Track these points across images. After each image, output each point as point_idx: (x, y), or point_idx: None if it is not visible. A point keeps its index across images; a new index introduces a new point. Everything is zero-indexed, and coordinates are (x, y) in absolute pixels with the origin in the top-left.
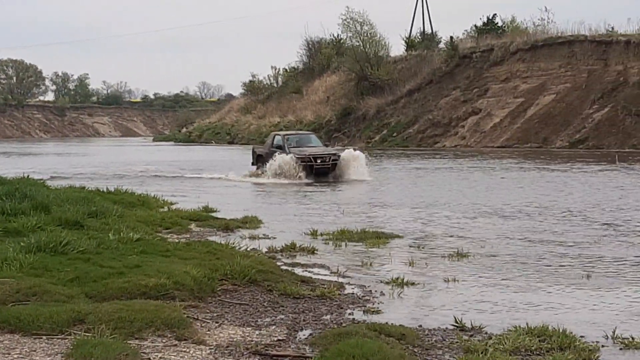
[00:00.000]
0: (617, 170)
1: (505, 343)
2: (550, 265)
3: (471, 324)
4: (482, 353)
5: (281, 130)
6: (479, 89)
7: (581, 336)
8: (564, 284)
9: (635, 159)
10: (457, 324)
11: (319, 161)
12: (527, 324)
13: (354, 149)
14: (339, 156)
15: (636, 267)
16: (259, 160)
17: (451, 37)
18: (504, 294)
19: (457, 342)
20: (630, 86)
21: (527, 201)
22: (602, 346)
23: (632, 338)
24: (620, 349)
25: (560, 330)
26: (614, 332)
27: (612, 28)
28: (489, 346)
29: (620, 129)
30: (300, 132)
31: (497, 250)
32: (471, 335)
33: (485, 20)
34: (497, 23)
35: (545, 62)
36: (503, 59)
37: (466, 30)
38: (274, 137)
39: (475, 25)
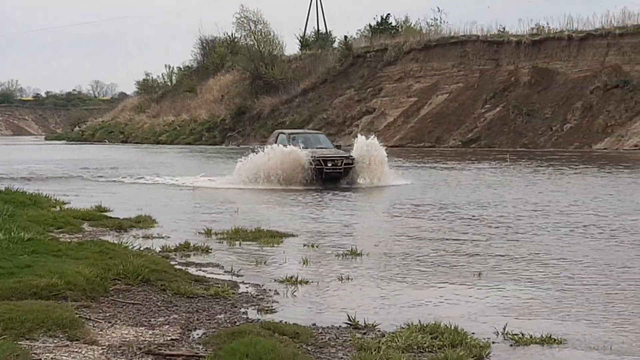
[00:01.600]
0: (507, 168)
1: (398, 340)
2: (442, 263)
3: (364, 322)
4: (374, 350)
5: (286, 128)
6: (373, 89)
7: (472, 333)
8: (456, 281)
9: (526, 157)
10: (350, 322)
11: (329, 164)
12: (419, 321)
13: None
14: (353, 159)
15: (525, 264)
16: None
17: (345, 37)
18: (397, 291)
19: (350, 340)
20: (521, 86)
21: (419, 199)
22: (493, 342)
23: (522, 334)
24: (511, 345)
25: (452, 328)
26: (504, 329)
27: (504, 29)
28: (382, 344)
29: (512, 128)
30: (308, 130)
31: (390, 248)
32: (364, 333)
33: (379, 20)
34: (391, 23)
35: (438, 62)
36: (397, 58)
37: (360, 30)
38: (277, 136)
39: (369, 25)
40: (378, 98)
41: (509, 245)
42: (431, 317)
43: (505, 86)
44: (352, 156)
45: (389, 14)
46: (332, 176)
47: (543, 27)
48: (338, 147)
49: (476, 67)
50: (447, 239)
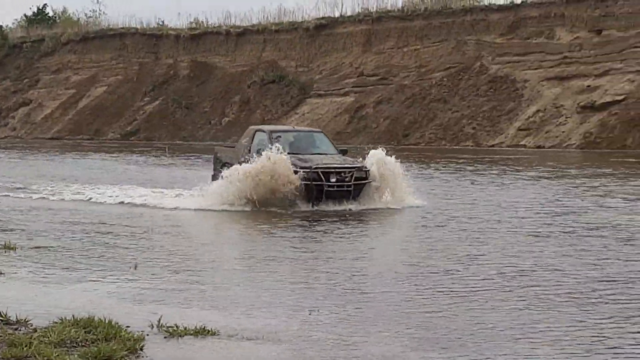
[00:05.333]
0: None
1: (51, 335)
2: (98, 256)
3: (16, 317)
4: (26, 346)
5: None
6: (30, 80)
7: (127, 326)
8: (111, 274)
9: (184, 149)
10: (1, 318)
11: (332, 179)
12: (73, 315)
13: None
14: (368, 172)
15: (181, 257)
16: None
17: (0, 26)
18: (51, 286)
19: (0, 336)
20: (180, 79)
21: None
22: (147, 335)
23: (177, 326)
24: (165, 337)
25: (107, 321)
26: (159, 321)
27: (163, 22)
28: (34, 339)
29: (171, 121)
30: (299, 128)
31: (46, 242)
32: (16, 329)
33: (35, 10)
34: (48, 13)
35: (97, 54)
36: (54, 49)
37: (17, 20)
38: (253, 135)
39: (25, 15)
40: (35, 89)
41: (165, 238)
42: (85, 311)
43: (164, 79)
44: (366, 167)
45: (45, 4)
46: (335, 196)
47: (202, 22)
48: (344, 152)
49: (135, 59)
50: (102, 232)
